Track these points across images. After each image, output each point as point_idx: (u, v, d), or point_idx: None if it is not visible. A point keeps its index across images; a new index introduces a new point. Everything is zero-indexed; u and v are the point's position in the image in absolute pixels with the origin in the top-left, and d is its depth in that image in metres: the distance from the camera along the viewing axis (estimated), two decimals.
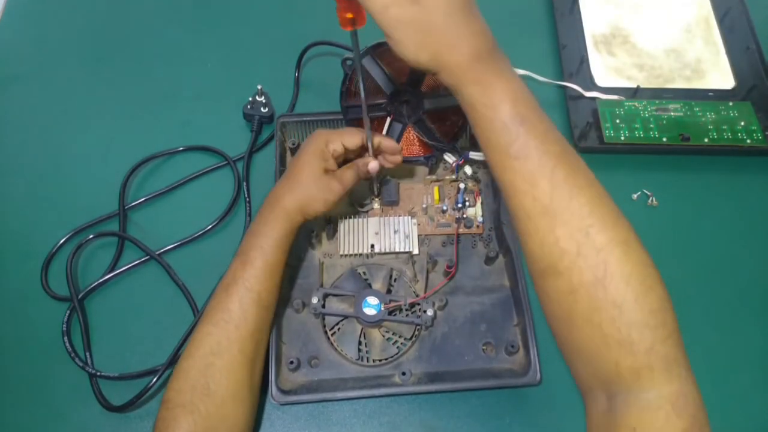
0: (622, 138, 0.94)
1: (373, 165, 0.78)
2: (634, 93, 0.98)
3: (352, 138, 0.76)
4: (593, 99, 0.98)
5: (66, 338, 0.79)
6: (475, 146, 0.93)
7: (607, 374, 0.52)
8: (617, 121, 0.95)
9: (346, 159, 0.79)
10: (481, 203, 0.88)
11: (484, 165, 0.91)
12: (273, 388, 0.74)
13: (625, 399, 0.51)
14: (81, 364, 0.78)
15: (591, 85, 1.00)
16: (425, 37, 0.54)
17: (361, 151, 0.79)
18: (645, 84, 1.00)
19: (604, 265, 0.51)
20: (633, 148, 0.94)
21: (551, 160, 0.53)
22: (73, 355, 0.78)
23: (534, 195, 0.53)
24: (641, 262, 0.52)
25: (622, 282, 0.51)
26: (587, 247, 0.52)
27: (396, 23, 0.54)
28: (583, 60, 1.01)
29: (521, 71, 1.01)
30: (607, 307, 0.51)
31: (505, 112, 0.54)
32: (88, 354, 0.80)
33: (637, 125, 0.95)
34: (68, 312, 0.82)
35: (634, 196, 0.93)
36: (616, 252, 0.51)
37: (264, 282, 0.70)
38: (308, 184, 0.73)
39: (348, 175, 0.76)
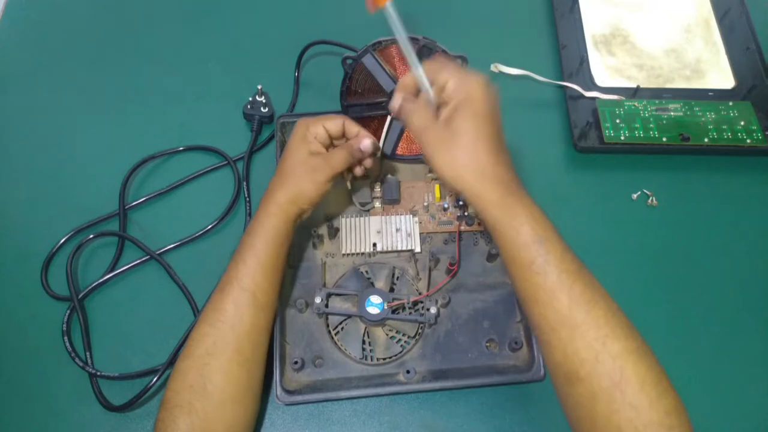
0: (622, 138, 0.94)
1: (366, 142, 0.78)
2: (634, 93, 0.99)
3: (332, 123, 0.78)
4: (593, 99, 0.98)
5: (66, 338, 0.79)
6: None
7: None
8: (617, 121, 0.95)
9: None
10: None
11: None
12: (278, 389, 0.73)
13: None
14: (81, 364, 0.77)
15: (591, 85, 1.00)
16: (452, 160, 0.63)
17: (343, 137, 0.80)
18: (645, 84, 1.00)
19: (621, 370, 0.55)
20: (633, 148, 0.94)
21: (569, 277, 0.59)
22: (73, 355, 0.78)
23: (555, 307, 0.58)
24: (654, 369, 0.57)
25: (638, 386, 0.55)
26: (604, 355, 0.56)
27: (430, 142, 0.64)
28: (583, 60, 1.01)
29: (521, 71, 1.02)
30: (625, 409, 0.54)
31: (526, 234, 0.60)
32: (88, 354, 0.80)
33: (637, 125, 0.95)
34: (68, 312, 0.81)
35: (634, 196, 0.92)
36: (630, 359, 0.56)
37: (258, 281, 0.70)
38: (294, 168, 0.74)
39: (338, 154, 0.76)
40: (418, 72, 0.67)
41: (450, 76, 0.65)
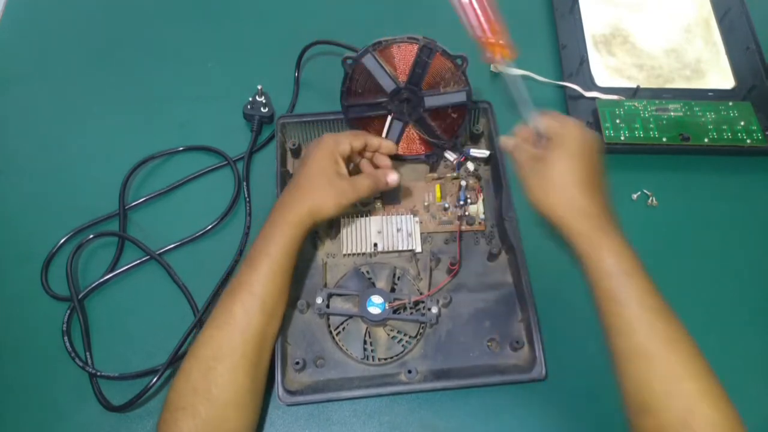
0: (622, 138, 0.94)
1: (393, 177, 0.80)
2: (634, 93, 0.98)
3: (358, 141, 0.79)
4: (593, 99, 0.98)
5: (66, 338, 0.79)
6: (476, 143, 0.93)
7: None
8: (617, 121, 0.95)
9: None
10: (483, 200, 0.88)
11: (485, 162, 0.91)
12: (279, 389, 0.73)
13: None
14: (81, 364, 0.77)
15: (591, 85, 1.00)
16: (545, 193, 0.69)
17: (363, 152, 0.82)
18: (645, 84, 1.00)
19: (691, 410, 0.57)
20: (633, 148, 0.94)
21: (650, 313, 0.62)
22: (73, 355, 0.78)
23: (632, 338, 0.61)
24: (726, 414, 0.58)
25: (708, 428, 0.56)
26: (677, 392, 0.58)
27: (528, 175, 0.71)
28: (583, 60, 1.01)
29: (521, 71, 1.01)
30: None
31: (610, 265, 0.64)
32: (88, 354, 0.79)
33: (637, 125, 0.94)
34: (68, 312, 0.81)
35: (634, 196, 0.92)
36: (703, 400, 0.58)
37: (269, 287, 0.70)
38: (321, 185, 0.75)
39: (364, 182, 0.78)
40: (533, 120, 0.73)
41: (551, 121, 0.72)
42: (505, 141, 0.77)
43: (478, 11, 0.72)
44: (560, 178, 0.68)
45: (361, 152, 0.82)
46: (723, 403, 0.58)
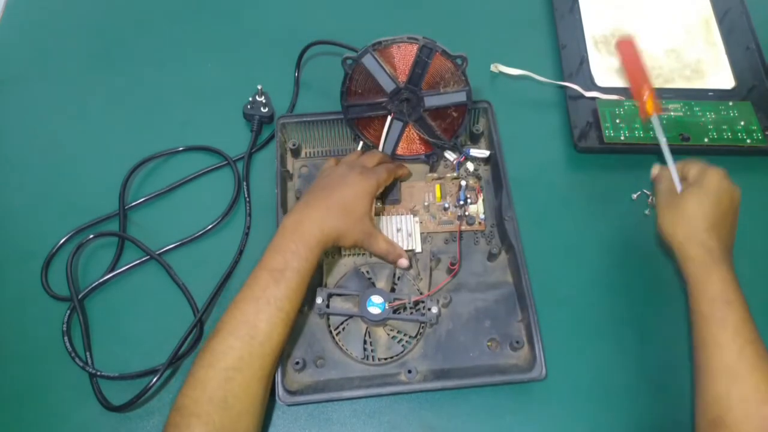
0: (622, 138, 0.94)
1: (404, 262, 0.81)
2: None
3: (389, 179, 0.84)
4: (593, 99, 0.98)
5: (66, 338, 0.79)
6: (476, 143, 0.93)
7: None
8: (617, 121, 0.95)
9: None
10: (483, 200, 0.88)
11: (485, 162, 0.91)
12: (279, 389, 0.73)
13: None
14: (81, 364, 0.77)
15: (591, 85, 1.00)
16: (672, 221, 0.75)
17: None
18: None
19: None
20: (633, 148, 0.94)
21: (743, 339, 0.66)
22: (73, 355, 0.77)
23: (721, 357, 0.65)
24: None
25: None
26: (755, 414, 0.62)
27: (663, 204, 0.78)
28: (583, 60, 1.01)
29: (521, 71, 1.02)
30: None
31: (714, 291, 0.69)
32: (88, 354, 0.79)
33: (637, 125, 0.94)
34: (68, 312, 0.81)
35: (634, 196, 0.92)
36: None
37: (294, 303, 0.70)
38: (353, 220, 0.76)
39: (382, 244, 0.80)
40: (672, 168, 0.79)
41: (694, 166, 0.79)
42: (654, 169, 0.84)
43: (638, 71, 0.81)
44: (691, 212, 0.74)
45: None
46: None
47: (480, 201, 0.88)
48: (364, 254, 0.84)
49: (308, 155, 0.94)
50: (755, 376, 0.63)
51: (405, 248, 0.83)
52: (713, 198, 0.75)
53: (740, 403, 0.62)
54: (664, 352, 0.81)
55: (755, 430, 0.60)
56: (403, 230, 0.85)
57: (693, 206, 0.74)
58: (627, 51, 0.82)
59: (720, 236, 0.74)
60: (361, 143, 0.91)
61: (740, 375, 0.63)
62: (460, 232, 0.86)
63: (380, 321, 0.77)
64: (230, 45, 1.07)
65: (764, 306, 0.84)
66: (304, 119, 0.91)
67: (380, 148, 0.89)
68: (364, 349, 0.78)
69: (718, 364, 0.65)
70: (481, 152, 0.89)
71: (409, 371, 0.75)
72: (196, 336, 0.81)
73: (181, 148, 0.95)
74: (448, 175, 0.90)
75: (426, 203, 0.88)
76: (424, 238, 0.86)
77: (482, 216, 0.87)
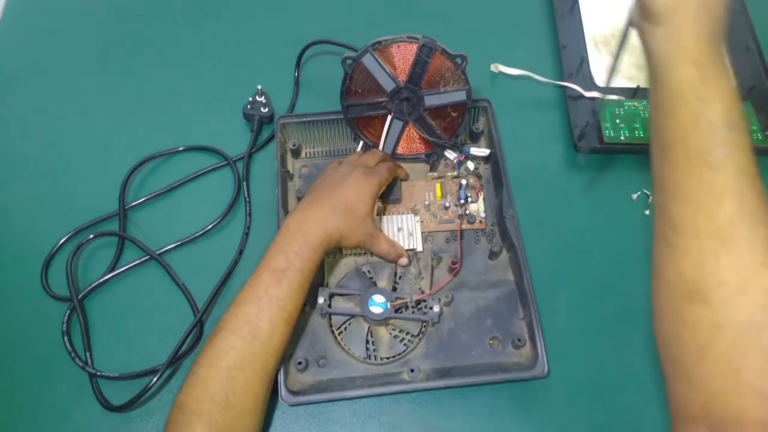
0: (622, 138, 0.94)
1: (405, 261, 0.82)
2: (634, 93, 0.98)
3: (390, 178, 0.84)
4: (593, 99, 0.98)
5: (66, 338, 0.79)
6: (476, 142, 0.93)
7: (727, 417, 0.48)
8: (617, 121, 0.95)
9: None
10: (483, 199, 0.88)
11: (485, 160, 0.91)
12: (282, 390, 0.73)
13: None
14: (81, 364, 0.77)
15: (591, 85, 1.00)
16: None
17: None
18: (645, 84, 1.00)
19: (764, 309, 0.47)
20: (633, 148, 0.94)
21: (745, 181, 0.49)
22: (73, 355, 0.77)
23: (712, 214, 0.49)
24: None
25: None
26: (753, 286, 0.47)
27: None
28: (583, 60, 1.01)
29: (521, 71, 1.02)
30: (754, 354, 0.46)
31: (717, 112, 0.51)
32: (88, 354, 0.79)
33: (637, 125, 0.95)
34: (68, 312, 0.81)
35: (634, 196, 0.92)
36: None
37: (296, 303, 0.70)
38: (356, 221, 0.76)
39: (383, 244, 0.80)
40: None
41: None
42: None
43: None
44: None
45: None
46: None
47: (480, 200, 0.88)
48: (365, 254, 0.84)
49: (308, 155, 0.94)
50: (756, 236, 0.48)
51: (406, 247, 0.83)
52: None
53: (733, 275, 0.47)
54: None
55: (752, 309, 0.47)
56: (404, 229, 0.85)
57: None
58: None
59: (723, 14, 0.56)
60: (361, 143, 0.91)
61: (736, 237, 0.48)
62: (461, 230, 0.86)
63: (382, 320, 0.77)
64: (230, 45, 1.07)
65: None
66: (304, 119, 0.91)
67: (380, 147, 0.89)
68: (367, 349, 0.78)
69: (706, 223, 0.49)
70: (482, 151, 0.89)
71: (412, 370, 0.75)
72: (196, 336, 0.81)
73: (181, 148, 0.95)
74: (449, 174, 0.90)
75: (427, 202, 0.88)
76: (425, 237, 0.86)
77: (483, 215, 0.87)
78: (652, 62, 0.56)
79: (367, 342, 0.78)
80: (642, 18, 0.58)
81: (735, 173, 0.49)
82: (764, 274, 0.47)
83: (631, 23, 0.63)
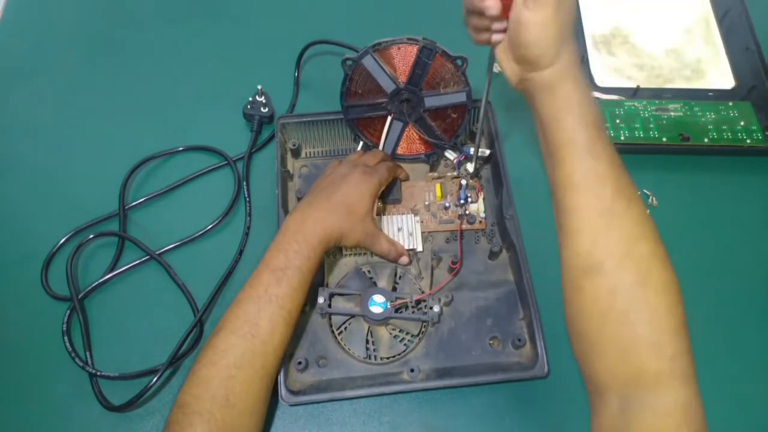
0: (622, 138, 0.94)
1: (405, 260, 0.83)
2: (634, 93, 0.99)
3: (390, 178, 0.84)
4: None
5: (66, 338, 0.79)
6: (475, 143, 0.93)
7: (629, 375, 0.54)
8: (617, 121, 0.95)
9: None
10: (483, 199, 0.88)
11: (485, 161, 0.91)
12: (282, 390, 0.73)
13: (640, 402, 0.53)
14: (81, 364, 0.77)
15: (591, 85, 1.00)
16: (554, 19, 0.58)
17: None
18: (645, 84, 1.00)
19: (647, 271, 0.56)
20: (633, 148, 0.94)
21: (617, 168, 0.58)
22: (73, 355, 0.77)
23: (599, 194, 0.57)
24: (674, 279, 0.57)
25: (661, 289, 0.55)
26: (634, 252, 0.56)
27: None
28: (583, 60, 1.01)
29: None
30: (644, 309, 0.55)
31: (592, 115, 0.59)
32: (88, 354, 0.79)
33: (637, 125, 0.95)
34: (68, 312, 0.81)
35: None
36: (656, 262, 0.56)
37: (296, 302, 0.70)
38: (356, 219, 0.77)
39: (384, 244, 0.80)
40: None
41: None
42: None
43: None
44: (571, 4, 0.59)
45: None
46: (671, 267, 0.57)
47: (480, 200, 0.88)
48: (365, 254, 0.84)
49: (308, 155, 0.94)
50: (632, 212, 0.57)
51: (406, 247, 0.83)
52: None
53: (619, 245, 0.56)
54: None
55: (637, 270, 0.55)
56: (404, 230, 0.85)
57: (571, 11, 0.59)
58: None
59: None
60: (361, 143, 0.91)
61: (618, 213, 0.56)
62: (461, 231, 0.86)
63: (382, 320, 0.77)
64: (230, 45, 1.07)
65: (765, 305, 0.85)
66: (304, 119, 0.91)
67: (380, 148, 0.89)
68: (367, 349, 0.78)
69: (595, 203, 0.57)
70: (482, 151, 0.89)
71: (412, 370, 0.75)
72: (196, 336, 0.81)
73: (181, 148, 0.95)
74: (449, 174, 0.90)
75: (426, 202, 0.88)
76: (425, 237, 0.86)
77: (483, 215, 0.87)
78: (532, 86, 0.62)
79: (367, 342, 0.78)
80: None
81: (609, 162, 0.58)
82: (641, 241, 0.56)
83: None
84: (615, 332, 0.55)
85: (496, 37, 0.65)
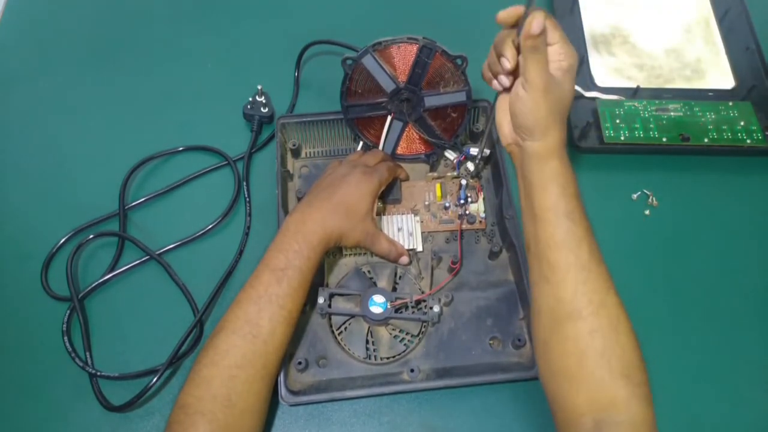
0: (622, 138, 0.94)
1: (405, 260, 0.83)
2: (634, 93, 0.99)
3: (390, 178, 0.85)
4: (593, 99, 0.98)
5: (66, 338, 0.79)
6: (476, 143, 0.93)
7: (606, 401, 0.61)
8: (617, 121, 0.95)
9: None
10: (483, 199, 0.88)
11: (485, 161, 0.91)
12: (282, 390, 0.73)
13: (615, 421, 0.60)
14: (81, 364, 0.77)
15: (591, 85, 1.00)
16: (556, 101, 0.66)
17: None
18: (645, 84, 1.00)
19: (617, 316, 0.63)
20: (633, 148, 0.94)
21: (589, 232, 0.66)
22: (73, 355, 0.77)
23: (578, 253, 0.64)
24: (631, 325, 0.65)
25: (628, 332, 0.63)
26: (608, 301, 0.64)
27: (544, 81, 0.64)
28: (583, 60, 1.01)
29: None
30: (616, 348, 0.62)
31: (572, 187, 0.66)
32: (88, 354, 0.79)
33: (637, 125, 0.95)
34: (68, 312, 0.81)
35: (634, 196, 0.92)
36: (623, 310, 0.64)
37: (296, 302, 0.71)
38: (356, 219, 0.77)
39: (384, 243, 0.81)
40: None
41: (571, 50, 0.68)
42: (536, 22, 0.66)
43: None
44: (569, 91, 0.67)
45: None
46: (628, 317, 0.65)
47: (480, 200, 0.88)
48: (365, 254, 0.84)
49: (308, 155, 0.94)
50: (603, 269, 0.65)
51: (406, 248, 0.83)
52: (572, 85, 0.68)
53: (596, 295, 0.63)
54: (664, 350, 0.81)
55: (611, 316, 0.63)
56: (404, 230, 0.85)
57: (571, 88, 0.67)
58: None
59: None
60: (361, 143, 0.90)
61: (594, 268, 0.64)
62: (461, 231, 0.86)
63: (382, 320, 0.77)
64: (230, 45, 1.07)
65: (765, 305, 0.84)
66: (304, 119, 0.91)
67: (380, 147, 0.89)
68: (367, 349, 0.78)
69: (575, 260, 0.64)
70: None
71: (412, 370, 0.75)
72: (196, 336, 0.81)
73: (181, 148, 0.95)
74: (449, 174, 0.90)
75: (426, 202, 0.88)
76: (425, 237, 0.86)
77: (483, 215, 0.87)
78: (522, 152, 0.69)
79: (367, 342, 0.78)
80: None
81: (585, 228, 0.66)
82: (611, 293, 0.64)
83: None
84: (594, 367, 0.62)
85: (497, 84, 0.72)
